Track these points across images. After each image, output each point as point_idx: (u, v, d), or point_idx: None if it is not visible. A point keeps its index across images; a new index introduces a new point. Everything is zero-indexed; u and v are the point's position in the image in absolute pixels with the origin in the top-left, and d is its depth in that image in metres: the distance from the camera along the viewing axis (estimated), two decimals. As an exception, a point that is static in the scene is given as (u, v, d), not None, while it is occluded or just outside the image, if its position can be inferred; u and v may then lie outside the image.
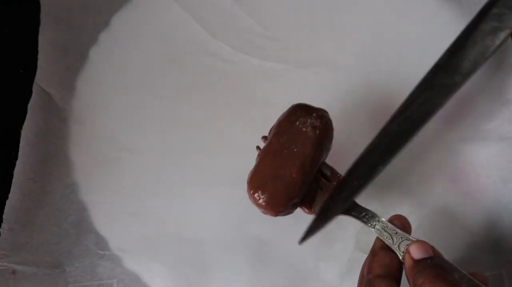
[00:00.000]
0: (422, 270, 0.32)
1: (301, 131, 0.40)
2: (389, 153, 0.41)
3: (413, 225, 0.41)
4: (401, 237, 0.35)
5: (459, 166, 0.45)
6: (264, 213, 0.40)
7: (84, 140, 0.47)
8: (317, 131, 0.40)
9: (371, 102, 0.47)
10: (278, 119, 0.42)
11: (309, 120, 0.41)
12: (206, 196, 0.45)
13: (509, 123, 0.45)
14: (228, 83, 0.49)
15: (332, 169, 0.41)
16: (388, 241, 0.36)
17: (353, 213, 0.38)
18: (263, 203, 0.39)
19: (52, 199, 0.44)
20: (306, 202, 0.40)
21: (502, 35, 0.43)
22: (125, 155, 0.47)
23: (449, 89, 0.42)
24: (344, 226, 0.41)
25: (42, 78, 0.47)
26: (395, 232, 0.36)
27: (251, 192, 0.40)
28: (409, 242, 0.35)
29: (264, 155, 0.41)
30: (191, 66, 0.50)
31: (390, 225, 0.36)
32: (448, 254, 0.40)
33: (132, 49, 0.50)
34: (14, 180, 0.43)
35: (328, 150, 0.41)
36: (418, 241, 0.34)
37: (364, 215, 0.38)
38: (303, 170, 0.39)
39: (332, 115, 0.45)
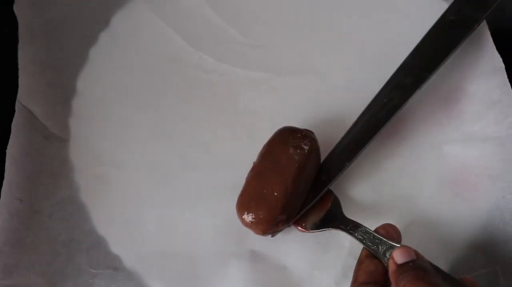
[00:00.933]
0: (404, 273, 0.33)
1: (284, 152, 0.42)
2: (355, 150, 0.44)
3: (405, 228, 0.42)
4: (386, 245, 0.36)
5: (448, 167, 0.46)
6: (255, 232, 0.41)
7: (69, 157, 0.46)
8: (299, 151, 0.42)
9: (356, 109, 0.47)
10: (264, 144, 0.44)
11: (292, 140, 0.42)
12: (197, 210, 0.45)
13: (495, 124, 0.46)
14: (213, 94, 0.49)
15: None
16: (373, 249, 0.37)
17: (340, 226, 0.40)
18: (249, 223, 0.41)
19: (40, 218, 0.43)
20: (298, 221, 0.42)
21: (462, 31, 0.46)
22: (113, 171, 0.46)
23: (412, 88, 0.45)
24: (336, 233, 0.41)
25: (23, 96, 0.46)
26: (379, 240, 0.37)
27: (239, 213, 0.41)
28: (393, 249, 0.36)
29: (250, 177, 0.42)
30: (176, 79, 0.50)
31: (374, 234, 0.38)
32: (441, 254, 0.42)
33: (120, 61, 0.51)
34: (1, 200, 0.42)
35: (312, 168, 0.43)
36: (401, 246, 0.35)
37: (350, 227, 0.40)
38: (285, 188, 0.40)
39: (317, 122, 0.46)
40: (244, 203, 0.41)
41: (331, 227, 0.41)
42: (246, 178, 0.42)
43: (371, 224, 0.40)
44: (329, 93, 0.49)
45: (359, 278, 0.36)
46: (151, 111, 0.49)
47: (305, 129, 0.44)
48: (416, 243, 0.40)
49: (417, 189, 0.45)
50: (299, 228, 0.42)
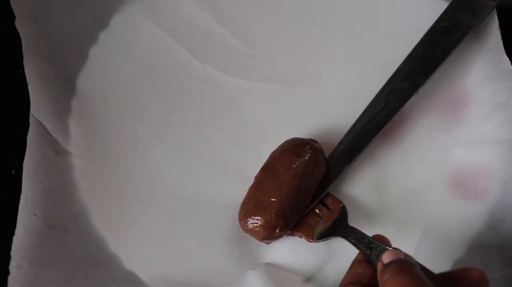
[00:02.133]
0: (388, 267, 0.34)
1: (283, 160, 0.43)
2: (354, 153, 0.45)
3: (417, 235, 0.43)
4: (380, 249, 0.37)
5: (457, 170, 0.46)
6: (255, 238, 0.42)
7: (79, 173, 0.46)
8: (298, 159, 0.43)
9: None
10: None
11: (293, 149, 0.44)
12: (204, 222, 0.45)
13: (503, 127, 0.47)
14: (218, 106, 0.49)
15: (333, 197, 0.44)
16: (368, 254, 0.37)
17: (341, 233, 0.41)
18: (248, 228, 0.42)
19: (55, 233, 0.43)
20: (306, 231, 0.43)
21: (457, 34, 0.47)
22: (122, 185, 0.46)
23: (409, 92, 0.46)
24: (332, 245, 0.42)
25: (35, 109, 0.46)
26: (374, 245, 0.37)
27: (239, 219, 0.43)
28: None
29: (251, 186, 0.43)
30: (180, 92, 0.50)
31: (370, 239, 0.38)
32: (456, 258, 0.42)
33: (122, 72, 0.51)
34: (18, 215, 0.42)
35: (315, 176, 0.43)
36: (391, 249, 0.36)
37: (347, 232, 0.41)
38: (280, 194, 0.41)
39: (323, 131, 0.47)
40: (243, 210, 0.43)
41: (334, 235, 0.42)
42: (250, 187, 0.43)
43: (375, 228, 0.41)
44: (335, 102, 0.49)
45: (344, 280, 0.37)
46: (155, 126, 0.49)
47: (309, 139, 0.45)
48: (428, 247, 0.41)
49: (425, 193, 0.46)
50: (307, 238, 0.43)
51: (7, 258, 0.42)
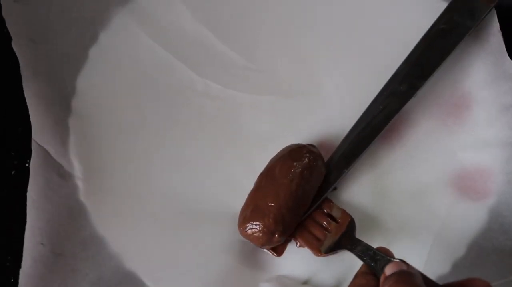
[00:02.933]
0: (388, 279, 0.34)
1: (281, 165, 0.43)
2: (352, 157, 0.46)
3: (428, 241, 0.43)
4: (385, 261, 0.36)
5: (464, 174, 0.46)
6: (254, 243, 0.42)
7: (87, 196, 0.45)
8: (296, 163, 0.43)
9: None
10: None
11: (291, 154, 0.44)
12: (205, 231, 0.45)
13: (508, 129, 0.46)
14: (219, 120, 0.49)
15: (342, 211, 0.44)
16: (372, 266, 0.37)
17: (346, 246, 0.41)
18: (247, 233, 0.42)
19: (64, 261, 0.42)
20: (314, 245, 0.43)
21: (455, 37, 0.47)
22: (128, 202, 0.46)
23: (407, 94, 0.46)
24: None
25: (36, 134, 0.45)
26: (380, 257, 0.37)
27: (238, 225, 0.43)
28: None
29: (251, 191, 0.44)
30: (181, 107, 0.49)
31: (375, 251, 0.38)
32: (467, 261, 0.42)
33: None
34: (24, 246, 0.41)
35: (313, 180, 0.43)
36: (394, 261, 0.36)
37: (353, 244, 0.40)
38: (277, 199, 0.41)
39: (324, 141, 0.46)
40: (242, 215, 0.43)
41: (341, 249, 0.42)
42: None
43: (380, 234, 0.42)
44: (336, 112, 0.49)
45: None
46: (158, 141, 0.48)
47: (307, 143, 0.45)
48: (441, 251, 0.41)
49: (428, 196, 0.46)
50: (315, 252, 0.43)
51: (7, 258, 0.44)
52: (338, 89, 0.50)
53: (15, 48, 0.47)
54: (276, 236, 0.41)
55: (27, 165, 0.47)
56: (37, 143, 0.45)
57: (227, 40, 0.52)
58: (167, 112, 0.49)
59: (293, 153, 0.44)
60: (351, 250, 0.40)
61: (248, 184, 0.44)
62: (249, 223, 0.42)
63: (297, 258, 0.44)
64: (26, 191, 0.44)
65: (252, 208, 0.42)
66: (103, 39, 0.51)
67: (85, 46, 0.51)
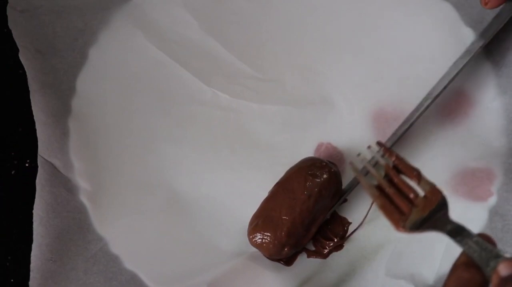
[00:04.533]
0: (506, 282, 0.29)
1: (299, 178, 0.43)
2: None
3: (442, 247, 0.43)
4: (491, 253, 0.31)
5: (464, 174, 0.46)
6: (262, 254, 0.42)
7: (96, 208, 0.45)
8: (314, 179, 0.42)
9: (373, 136, 0.48)
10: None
11: (309, 169, 0.43)
12: (222, 247, 0.44)
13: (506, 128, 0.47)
14: (231, 131, 0.49)
15: (432, 185, 0.37)
16: (475, 256, 0.32)
17: (441, 228, 0.35)
18: (256, 243, 0.41)
19: (76, 276, 0.42)
20: (395, 218, 0.36)
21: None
22: (136, 216, 0.45)
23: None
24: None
25: (43, 149, 0.45)
26: (485, 248, 0.32)
27: (248, 233, 0.42)
28: (500, 259, 0.31)
29: (263, 200, 0.43)
30: (190, 117, 0.49)
31: (480, 240, 0.32)
32: None
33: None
34: (32, 264, 0.41)
35: (328, 198, 0.43)
36: (510, 258, 0.31)
37: (451, 228, 0.34)
38: (293, 213, 0.41)
39: (335, 150, 0.47)
40: (253, 223, 0.42)
41: (431, 229, 0.35)
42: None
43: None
44: (346, 122, 0.49)
45: (448, 284, 0.32)
46: (170, 154, 0.48)
47: (327, 161, 0.44)
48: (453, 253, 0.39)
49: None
50: (395, 225, 0.36)
51: (7, 258, 0.44)
52: (346, 98, 0.50)
53: (22, 60, 0.47)
54: (286, 249, 0.41)
55: (27, 165, 0.47)
56: (44, 158, 0.45)
57: (234, 50, 0.51)
58: (176, 123, 0.49)
59: (314, 168, 0.43)
60: (448, 233, 0.34)
61: (257, 192, 0.44)
62: (260, 232, 0.41)
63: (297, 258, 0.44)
64: (26, 191, 0.44)
65: (265, 218, 0.42)
66: (106, 45, 0.51)
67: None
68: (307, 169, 0.43)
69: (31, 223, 0.43)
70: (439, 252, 0.42)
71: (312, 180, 0.42)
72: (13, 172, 0.47)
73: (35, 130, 0.46)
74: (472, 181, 0.46)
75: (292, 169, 0.44)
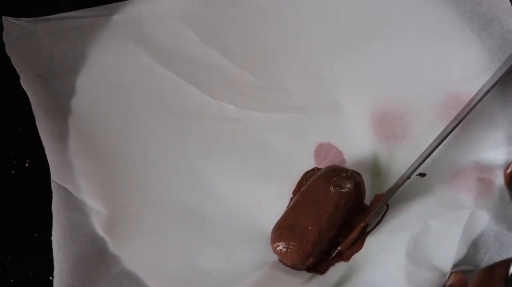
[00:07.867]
0: None
1: (324, 188, 0.42)
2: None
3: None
4: None
5: (464, 172, 0.46)
6: (283, 263, 0.42)
7: (111, 229, 0.44)
8: (340, 190, 0.42)
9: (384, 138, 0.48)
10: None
11: (334, 179, 0.43)
12: (238, 258, 0.44)
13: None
14: (241, 142, 0.48)
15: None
16: None
17: None
18: (280, 251, 0.41)
19: None
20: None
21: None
22: (152, 237, 0.45)
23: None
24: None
25: (55, 174, 0.44)
26: None
27: (271, 240, 0.42)
28: None
29: (288, 208, 0.44)
30: (200, 131, 0.49)
31: None
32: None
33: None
34: None
35: (351, 209, 0.43)
36: None
37: None
38: (319, 223, 0.41)
39: (346, 156, 0.47)
40: (277, 231, 0.42)
41: None
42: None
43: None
44: (355, 127, 0.49)
45: None
46: (181, 171, 0.48)
47: (352, 171, 0.44)
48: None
49: (433, 197, 0.45)
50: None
51: (7, 258, 0.44)
52: (357, 105, 0.49)
53: (24, 87, 0.46)
54: (310, 260, 0.41)
55: (27, 165, 0.47)
56: (58, 184, 0.44)
57: (237, 60, 0.51)
58: (183, 134, 0.49)
59: (340, 179, 0.43)
60: None
61: (274, 202, 0.45)
62: (285, 240, 0.41)
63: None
64: (26, 191, 0.46)
65: (290, 227, 0.41)
66: (106, 65, 0.50)
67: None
68: (333, 178, 0.43)
69: (31, 223, 0.44)
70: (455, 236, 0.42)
71: (338, 191, 0.42)
72: (13, 172, 0.47)
73: (35, 130, 0.46)
74: (471, 179, 0.45)
75: (317, 177, 0.44)
